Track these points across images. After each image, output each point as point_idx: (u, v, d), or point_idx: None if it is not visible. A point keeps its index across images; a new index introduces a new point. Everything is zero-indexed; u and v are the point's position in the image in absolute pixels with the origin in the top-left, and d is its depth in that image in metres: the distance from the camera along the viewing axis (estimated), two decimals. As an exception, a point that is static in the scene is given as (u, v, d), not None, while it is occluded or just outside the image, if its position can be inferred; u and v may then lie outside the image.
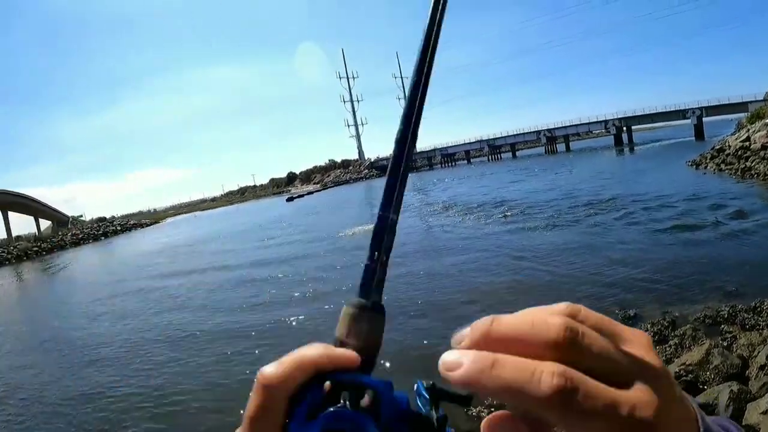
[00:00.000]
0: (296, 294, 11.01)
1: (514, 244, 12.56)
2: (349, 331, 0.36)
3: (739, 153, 19.56)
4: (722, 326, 5.81)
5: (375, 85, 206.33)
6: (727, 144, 21.81)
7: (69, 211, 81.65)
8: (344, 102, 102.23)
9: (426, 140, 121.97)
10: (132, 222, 75.24)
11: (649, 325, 6.21)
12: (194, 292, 13.50)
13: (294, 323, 8.96)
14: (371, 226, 0.37)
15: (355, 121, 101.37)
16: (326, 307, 9.37)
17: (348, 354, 0.35)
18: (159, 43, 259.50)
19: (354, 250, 14.77)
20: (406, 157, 0.37)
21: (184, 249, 26.41)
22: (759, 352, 4.35)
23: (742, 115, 33.61)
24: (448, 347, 0.32)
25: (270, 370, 0.33)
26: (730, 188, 15.69)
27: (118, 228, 66.15)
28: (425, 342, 6.76)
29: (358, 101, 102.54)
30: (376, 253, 0.37)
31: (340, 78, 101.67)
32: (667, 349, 5.48)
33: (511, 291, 8.78)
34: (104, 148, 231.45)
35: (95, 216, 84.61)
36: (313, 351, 0.34)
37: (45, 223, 73.21)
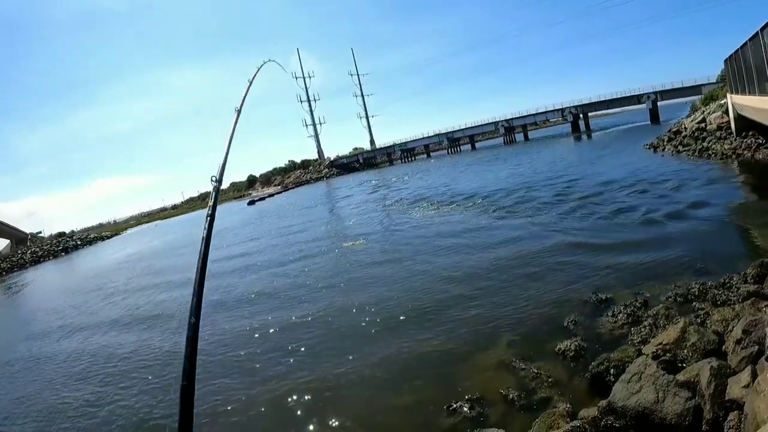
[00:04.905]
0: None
1: (490, 232, 12.59)
2: None
3: (696, 134, 20.15)
4: (694, 303, 5.85)
5: (332, 84, 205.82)
6: (683, 126, 22.44)
7: (32, 226, 77.93)
8: (301, 102, 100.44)
9: (384, 137, 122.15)
10: (93, 235, 72.42)
11: (622, 307, 6.22)
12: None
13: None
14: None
15: (313, 121, 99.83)
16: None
17: None
18: (115, 46, 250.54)
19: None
20: None
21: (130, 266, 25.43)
22: (734, 327, 4.34)
23: (695, 97, 34.79)
24: None
25: None
26: (689, 169, 16.11)
27: (78, 243, 63.48)
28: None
29: (315, 101, 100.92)
30: None
31: (296, 78, 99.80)
32: (642, 330, 5.47)
33: (491, 278, 8.72)
34: (63, 158, 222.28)
35: (55, 231, 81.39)
36: None
37: (3, 242, 69.77)
